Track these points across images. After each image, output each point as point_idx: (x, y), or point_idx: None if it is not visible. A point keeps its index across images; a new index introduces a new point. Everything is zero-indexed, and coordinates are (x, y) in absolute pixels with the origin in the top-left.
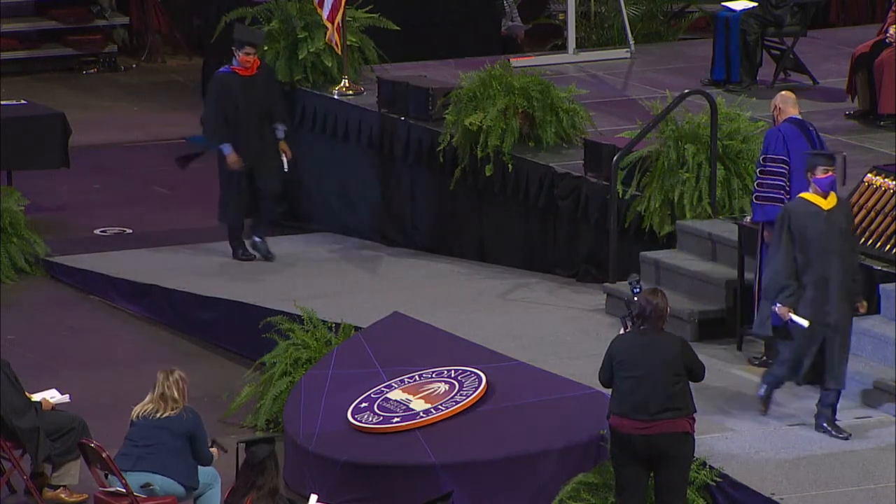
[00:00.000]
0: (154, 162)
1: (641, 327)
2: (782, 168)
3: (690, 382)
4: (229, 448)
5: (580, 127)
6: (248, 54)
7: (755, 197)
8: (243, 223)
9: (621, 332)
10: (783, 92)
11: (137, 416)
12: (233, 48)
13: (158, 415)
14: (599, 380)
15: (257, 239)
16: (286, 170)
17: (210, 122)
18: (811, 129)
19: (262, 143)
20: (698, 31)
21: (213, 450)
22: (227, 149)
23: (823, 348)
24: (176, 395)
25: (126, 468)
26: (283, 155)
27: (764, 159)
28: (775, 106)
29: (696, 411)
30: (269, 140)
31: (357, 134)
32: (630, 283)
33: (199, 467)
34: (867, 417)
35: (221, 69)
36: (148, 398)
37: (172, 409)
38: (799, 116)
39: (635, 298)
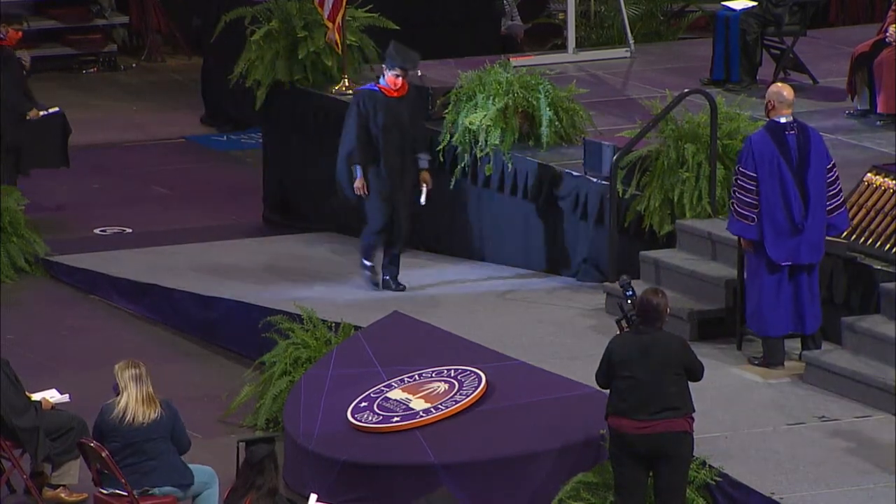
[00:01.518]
0: (154, 162)
1: (640, 326)
2: (751, 185)
3: (692, 382)
4: (200, 426)
5: (580, 126)
6: (398, 76)
7: (732, 206)
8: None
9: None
10: (781, 87)
11: (128, 423)
12: (383, 66)
13: (144, 419)
14: (597, 381)
15: (386, 277)
16: (423, 203)
17: (348, 141)
18: (787, 133)
19: (402, 168)
20: (698, 31)
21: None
22: (358, 171)
23: None
24: (152, 392)
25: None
26: (424, 186)
27: (737, 171)
28: (769, 101)
29: (694, 410)
30: (410, 167)
31: None
32: (622, 286)
33: (198, 467)
34: (867, 417)
35: (366, 85)
36: (131, 401)
37: (154, 413)
38: (783, 119)
39: (628, 301)
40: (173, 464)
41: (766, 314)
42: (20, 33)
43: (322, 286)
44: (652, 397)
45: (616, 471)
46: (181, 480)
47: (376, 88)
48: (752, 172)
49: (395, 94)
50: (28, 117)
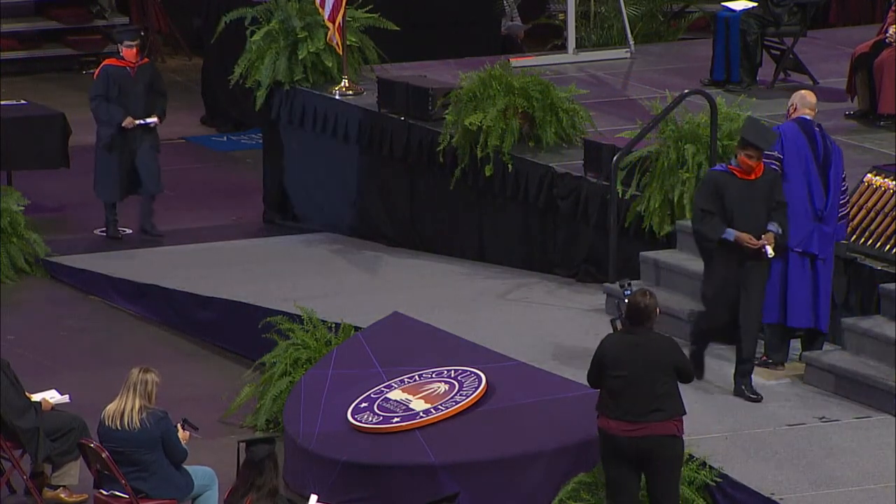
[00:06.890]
0: None
1: (630, 327)
2: (773, 164)
3: (683, 383)
4: (200, 426)
5: (580, 127)
6: (750, 157)
7: None
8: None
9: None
10: (805, 92)
11: (116, 426)
12: (738, 148)
13: (120, 426)
14: (588, 380)
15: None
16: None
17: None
18: (816, 129)
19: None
20: (698, 31)
21: (184, 434)
22: (730, 232)
23: None
24: (147, 400)
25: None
26: (767, 245)
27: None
28: (792, 104)
29: (685, 413)
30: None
31: (357, 134)
32: (621, 286)
33: (197, 468)
34: (867, 417)
35: (716, 167)
36: (111, 405)
37: (132, 422)
38: (808, 117)
39: (625, 300)
40: (166, 476)
41: (787, 302)
42: (134, 49)
43: (322, 286)
44: (641, 399)
45: (606, 472)
46: (176, 494)
47: (727, 169)
48: (779, 154)
49: (748, 178)
50: (123, 125)
